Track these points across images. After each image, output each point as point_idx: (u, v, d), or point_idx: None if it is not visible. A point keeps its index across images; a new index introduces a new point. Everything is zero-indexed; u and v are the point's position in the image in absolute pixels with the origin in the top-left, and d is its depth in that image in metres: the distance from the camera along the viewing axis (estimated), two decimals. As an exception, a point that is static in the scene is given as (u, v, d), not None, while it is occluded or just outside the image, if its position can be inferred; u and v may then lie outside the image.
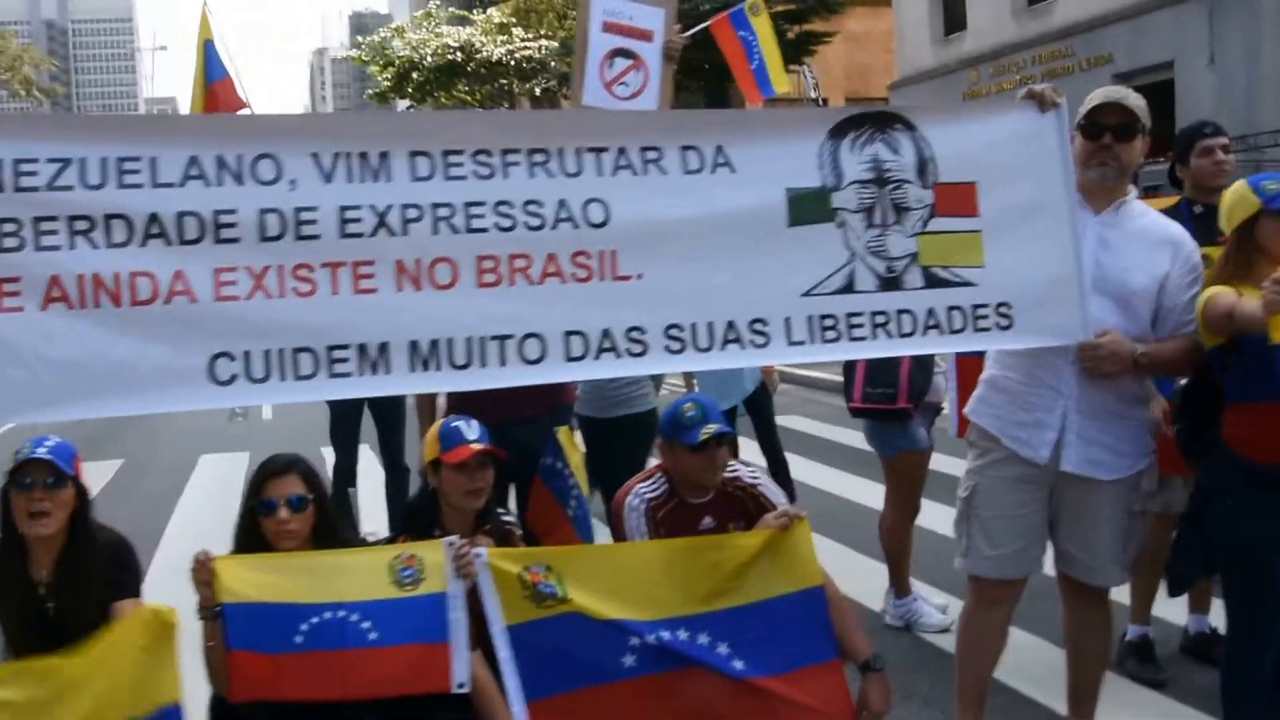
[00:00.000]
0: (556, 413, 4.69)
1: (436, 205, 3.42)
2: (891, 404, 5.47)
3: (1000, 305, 3.81)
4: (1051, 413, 3.87)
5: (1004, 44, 31.37)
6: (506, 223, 3.46)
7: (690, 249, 3.60)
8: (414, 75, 26.26)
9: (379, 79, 27.11)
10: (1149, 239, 3.92)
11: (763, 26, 6.41)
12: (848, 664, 3.84)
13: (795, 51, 26.46)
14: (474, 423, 3.98)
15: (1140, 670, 5.08)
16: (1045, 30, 30.10)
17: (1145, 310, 3.87)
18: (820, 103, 34.68)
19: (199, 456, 11.85)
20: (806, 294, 3.68)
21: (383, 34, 28.90)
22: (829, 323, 3.69)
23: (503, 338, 3.47)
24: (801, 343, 3.67)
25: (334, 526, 3.88)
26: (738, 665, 3.72)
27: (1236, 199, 3.71)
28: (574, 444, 4.70)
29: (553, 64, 25.30)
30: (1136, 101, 3.90)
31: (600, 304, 3.54)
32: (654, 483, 4.25)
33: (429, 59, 25.78)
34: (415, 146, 3.43)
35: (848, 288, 3.71)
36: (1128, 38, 27.18)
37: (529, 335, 3.49)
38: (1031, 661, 5.03)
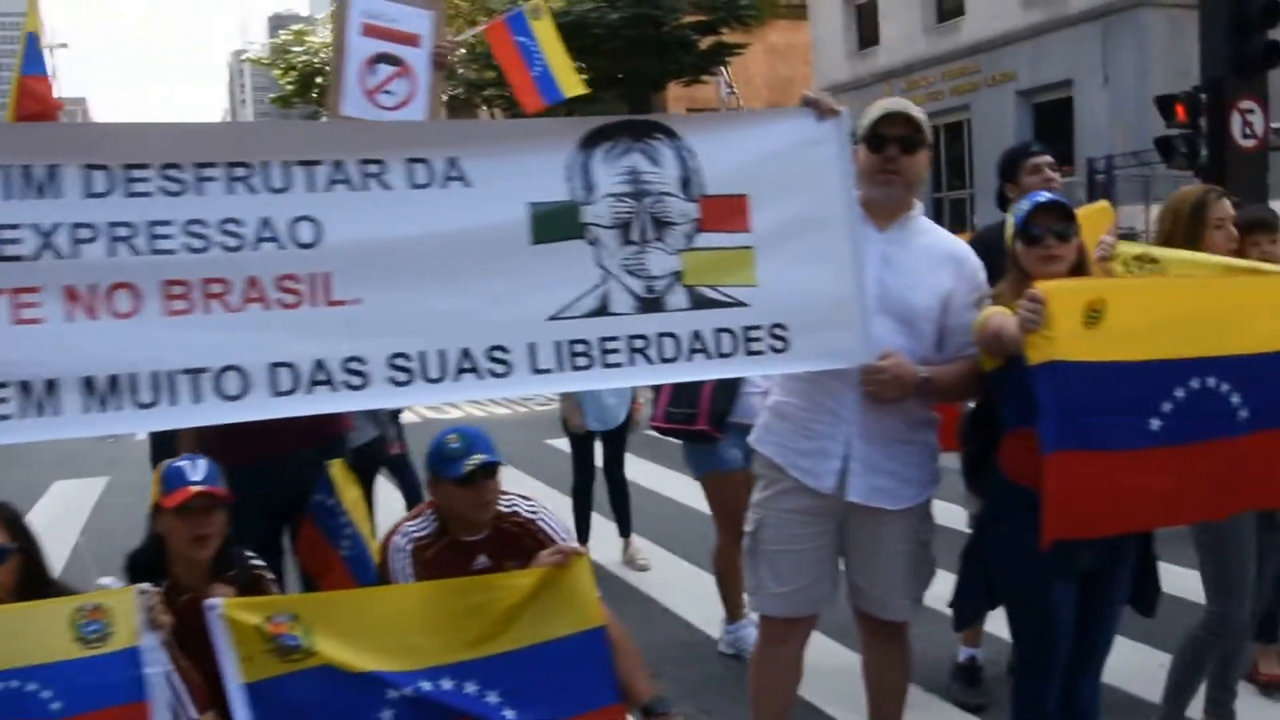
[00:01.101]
0: (328, 446, 4.20)
1: (114, 224, 2.94)
2: (691, 424, 5.12)
3: (775, 327, 3.42)
4: (834, 440, 3.54)
5: (915, 59, 31.58)
6: (199, 244, 2.99)
7: (418, 271, 3.16)
8: (318, 80, 25.53)
9: (281, 83, 26.33)
10: (933, 256, 3.61)
11: (544, 31, 5.97)
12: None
13: (707, 62, 26.09)
14: (200, 462, 3.50)
15: (963, 695, 4.92)
16: (954, 47, 30.32)
17: (930, 330, 3.55)
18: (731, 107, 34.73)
19: (52, 482, 11.16)
20: (554, 317, 3.26)
21: (284, 36, 28.13)
22: (580, 348, 3.27)
23: (195, 371, 3.00)
24: (548, 370, 3.24)
25: (44, 578, 3.39)
26: (508, 715, 3.37)
27: (1010, 220, 3.52)
28: (350, 479, 4.25)
29: (460, 71, 24.76)
30: (919, 113, 3.59)
31: (311, 333, 3.09)
32: (422, 521, 3.88)
33: (329, 65, 25.01)
34: (90, 159, 2.95)
35: (601, 310, 3.29)
36: (1029, 56, 27.43)
37: (227, 368, 3.02)
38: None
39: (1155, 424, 3.21)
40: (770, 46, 42.92)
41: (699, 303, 3.35)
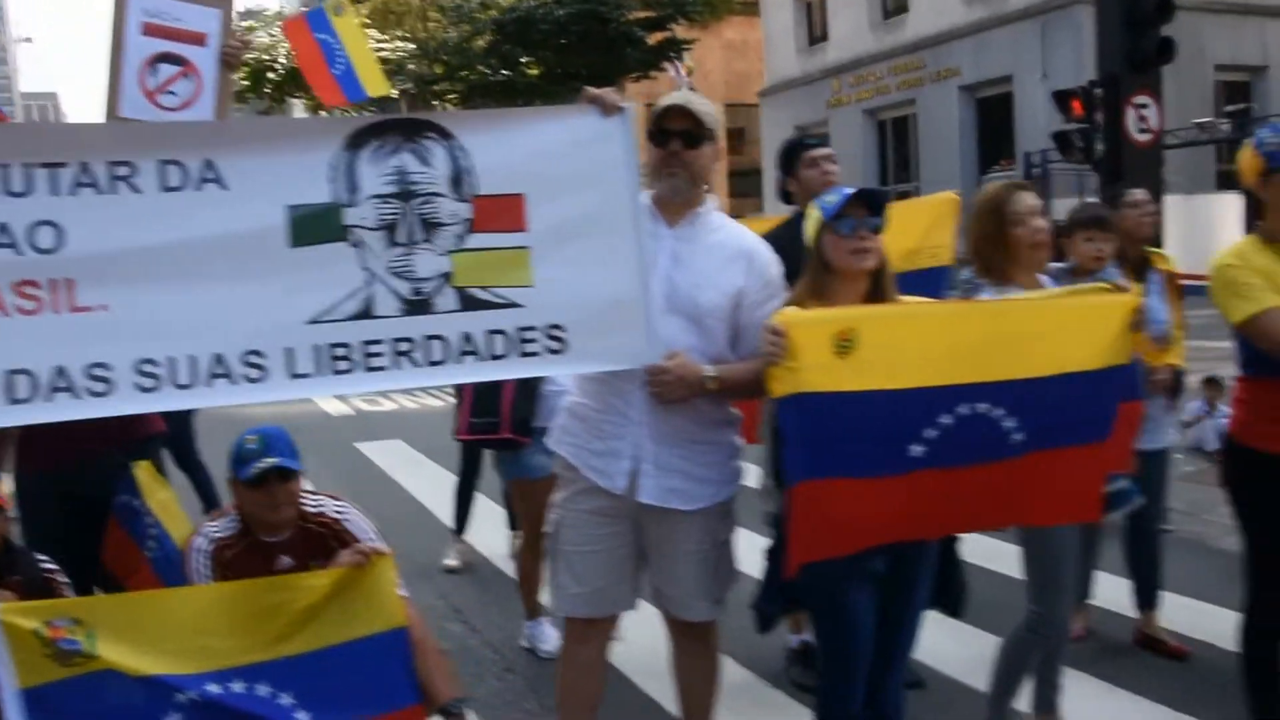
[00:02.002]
0: (132, 448, 4.06)
1: None
2: (495, 433, 5.04)
3: (551, 328, 3.30)
4: (624, 440, 3.44)
5: (863, 55, 31.61)
6: None
7: (168, 276, 3.03)
8: (269, 75, 25.26)
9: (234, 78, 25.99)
10: (724, 253, 3.48)
11: (347, 28, 5.82)
12: None
13: (656, 58, 25.97)
14: None
15: (803, 677, 4.85)
16: (899, 43, 30.37)
17: (720, 329, 3.43)
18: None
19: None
20: (314, 321, 3.13)
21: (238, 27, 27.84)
22: (340, 352, 3.14)
23: None
24: (306, 375, 3.12)
25: None
26: (301, 716, 3.28)
27: (809, 214, 3.36)
28: (158, 480, 4.14)
29: (410, 66, 24.53)
30: (703, 107, 3.46)
31: (52, 339, 2.95)
32: (225, 521, 3.76)
33: (282, 59, 24.83)
34: None
35: (365, 313, 3.16)
36: (972, 52, 27.49)
37: None
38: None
39: (917, 450, 3.08)
40: (726, 43, 42.92)
41: (470, 304, 3.23)
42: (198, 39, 4.01)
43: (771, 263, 3.52)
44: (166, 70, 3.96)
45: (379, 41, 25.43)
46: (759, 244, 3.55)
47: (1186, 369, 5.36)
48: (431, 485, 7.18)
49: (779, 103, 35.20)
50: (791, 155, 4.80)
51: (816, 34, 34.21)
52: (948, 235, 5.48)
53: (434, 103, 27.21)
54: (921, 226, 5.39)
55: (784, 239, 3.94)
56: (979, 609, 5.37)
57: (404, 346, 3.17)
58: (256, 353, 3.07)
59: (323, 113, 26.35)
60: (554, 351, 3.29)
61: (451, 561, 6.85)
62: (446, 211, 3.21)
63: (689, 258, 3.44)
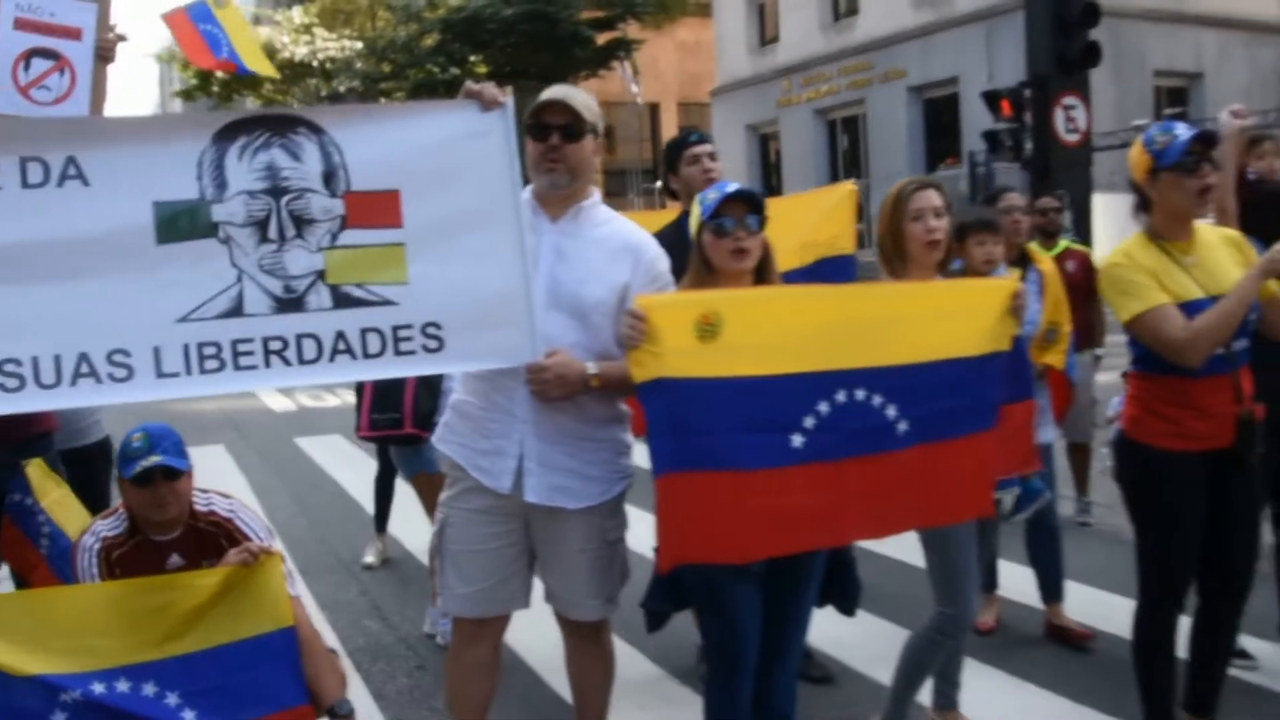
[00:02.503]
0: (20, 446, 3.94)
1: None
2: (399, 429, 4.92)
3: (428, 326, 3.20)
4: (509, 439, 3.35)
5: (813, 56, 31.67)
6: None
7: (29, 274, 2.92)
8: (218, 74, 24.94)
9: (183, 77, 25.72)
10: (609, 247, 3.40)
11: (230, 17, 5.74)
12: None
13: (604, 57, 25.88)
14: None
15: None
16: (848, 45, 30.46)
17: (606, 325, 3.33)
18: (638, 101, 34.62)
19: None
20: (183, 319, 3.03)
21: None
22: (210, 351, 3.04)
23: None
24: (175, 375, 3.02)
25: None
26: (187, 716, 3.20)
27: (693, 212, 3.34)
28: (51, 477, 4.02)
29: (358, 64, 24.28)
30: (584, 100, 3.40)
31: None
32: (114, 520, 3.66)
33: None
34: None
35: (235, 311, 3.06)
36: (919, 54, 27.61)
37: None
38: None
39: (797, 440, 3.00)
40: (680, 43, 42.90)
41: (343, 302, 3.13)
42: (73, 33, 3.88)
43: (659, 258, 3.44)
44: (40, 65, 3.83)
45: (326, 40, 25.24)
46: (645, 238, 3.47)
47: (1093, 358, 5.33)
48: (365, 481, 7.13)
49: (730, 102, 35.22)
50: (674, 152, 4.72)
51: (767, 35, 34.25)
52: (847, 224, 5.44)
53: (381, 101, 27.06)
54: (818, 217, 5.36)
55: (672, 236, 3.89)
56: (892, 601, 5.41)
57: (275, 345, 3.07)
58: (122, 352, 2.97)
59: (288, 102, 26.28)
60: (431, 350, 3.20)
61: (370, 558, 6.76)
62: (319, 208, 3.11)
63: (572, 253, 3.37)
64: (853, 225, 5.45)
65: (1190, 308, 3.43)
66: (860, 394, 3.06)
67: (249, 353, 3.05)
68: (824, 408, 3.02)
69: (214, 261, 3.04)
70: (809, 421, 3.00)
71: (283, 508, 8.63)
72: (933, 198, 3.73)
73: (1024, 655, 5.05)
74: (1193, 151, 3.44)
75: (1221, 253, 3.61)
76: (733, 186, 3.28)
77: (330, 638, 5.60)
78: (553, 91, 3.39)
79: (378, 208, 3.15)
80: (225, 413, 13.41)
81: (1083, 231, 9.50)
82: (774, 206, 5.66)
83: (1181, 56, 27.88)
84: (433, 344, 3.19)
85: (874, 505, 3.17)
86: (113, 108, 4.40)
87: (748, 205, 3.23)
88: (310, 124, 3.13)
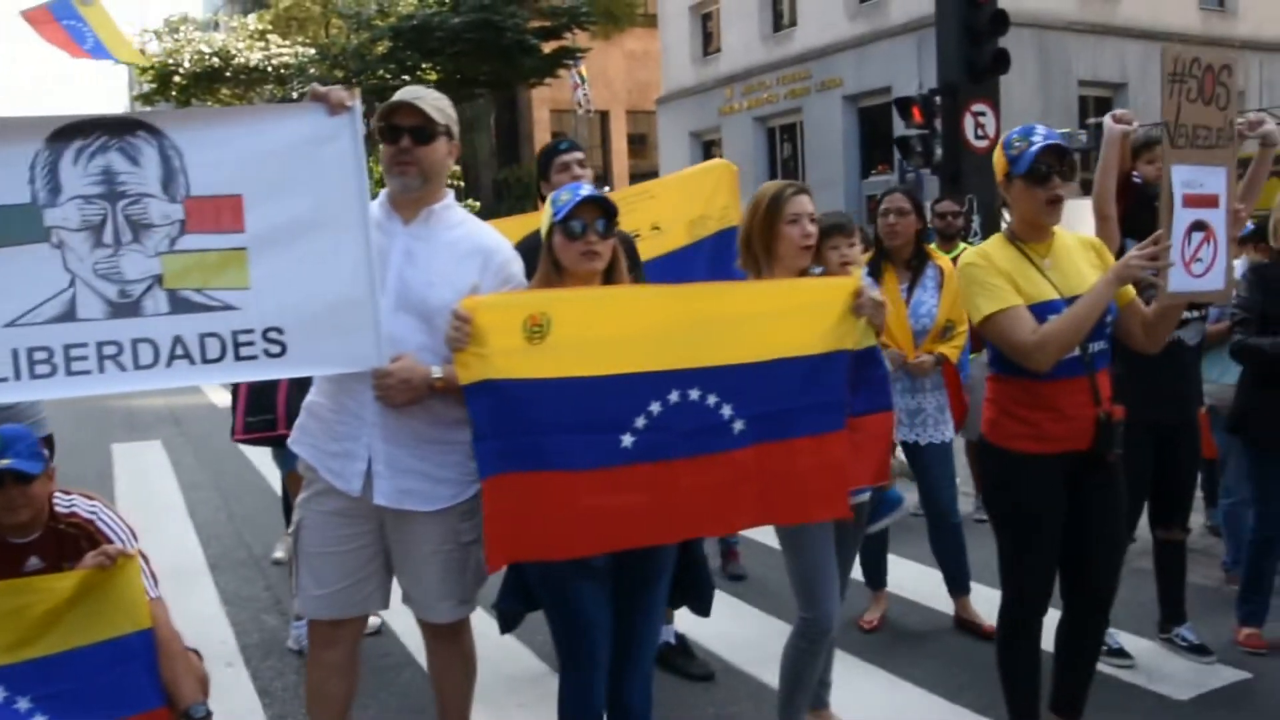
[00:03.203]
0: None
1: None
2: (273, 430, 4.81)
3: (269, 331, 3.07)
4: (358, 441, 3.23)
5: (753, 66, 31.64)
6: None
7: None
8: (175, 79, 24.53)
9: (140, 80, 25.27)
10: (459, 250, 3.29)
11: (95, 14, 5.61)
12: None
13: (552, 65, 25.69)
14: None
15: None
16: (787, 55, 30.45)
17: None
18: (587, 109, 34.45)
19: None
20: (12, 324, 2.88)
21: (139, 36, 27.11)
22: (41, 355, 2.89)
23: None
24: (4, 379, 2.86)
25: None
26: None
27: (547, 211, 3.24)
28: None
29: (311, 70, 23.94)
30: (435, 102, 3.28)
31: None
32: None
33: (185, 64, 24.12)
34: None
35: (67, 315, 2.91)
36: (854, 64, 27.61)
37: None
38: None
39: (628, 440, 2.93)
40: (629, 52, 42.71)
41: (181, 307, 2.98)
42: None
43: (510, 261, 3.34)
44: None
45: (279, 47, 24.87)
46: (499, 241, 3.37)
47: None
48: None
49: (675, 110, 35.15)
50: (546, 160, 4.62)
51: (711, 45, 34.22)
52: (733, 197, 5.40)
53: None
54: (705, 193, 5.29)
55: (538, 241, 3.75)
56: (778, 597, 5.30)
57: (110, 350, 2.92)
58: None
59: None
60: (273, 355, 3.06)
61: (280, 554, 6.62)
62: (157, 213, 2.96)
63: (423, 255, 3.25)
64: (738, 198, 5.40)
65: (1045, 309, 3.36)
66: (694, 394, 2.99)
67: (82, 357, 2.90)
68: (656, 407, 2.95)
69: (46, 266, 2.88)
70: (640, 421, 2.94)
71: (207, 502, 8.47)
72: (808, 203, 3.65)
73: (906, 654, 4.98)
74: (1043, 161, 3.36)
75: (1079, 256, 3.54)
76: (586, 190, 3.21)
77: (228, 633, 5.46)
78: (403, 93, 3.27)
79: (219, 212, 3.00)
80: (170, 408, 13.16)
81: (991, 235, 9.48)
82: (656, 187, 5.61)
83: (1106, 67, 28.10)
84: (275, 349, 3.05)
85: (711, 502, 3.09)
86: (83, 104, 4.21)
87: (599, 209, 3.16)
88: (150, 128, 2.98)
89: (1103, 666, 4.69)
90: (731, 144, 32.87)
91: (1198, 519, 6.16)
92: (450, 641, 3.53)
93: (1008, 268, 3.44)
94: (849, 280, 3.31)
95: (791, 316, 3.17)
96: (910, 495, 5.28)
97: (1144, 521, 4.80)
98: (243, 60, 24.32)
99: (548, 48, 25.04)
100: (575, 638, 3.22)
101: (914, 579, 5.77)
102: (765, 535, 4.33)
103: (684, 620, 5.16)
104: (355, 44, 24.16)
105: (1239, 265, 5.48)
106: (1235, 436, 5.04)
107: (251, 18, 27.40)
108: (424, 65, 24.09)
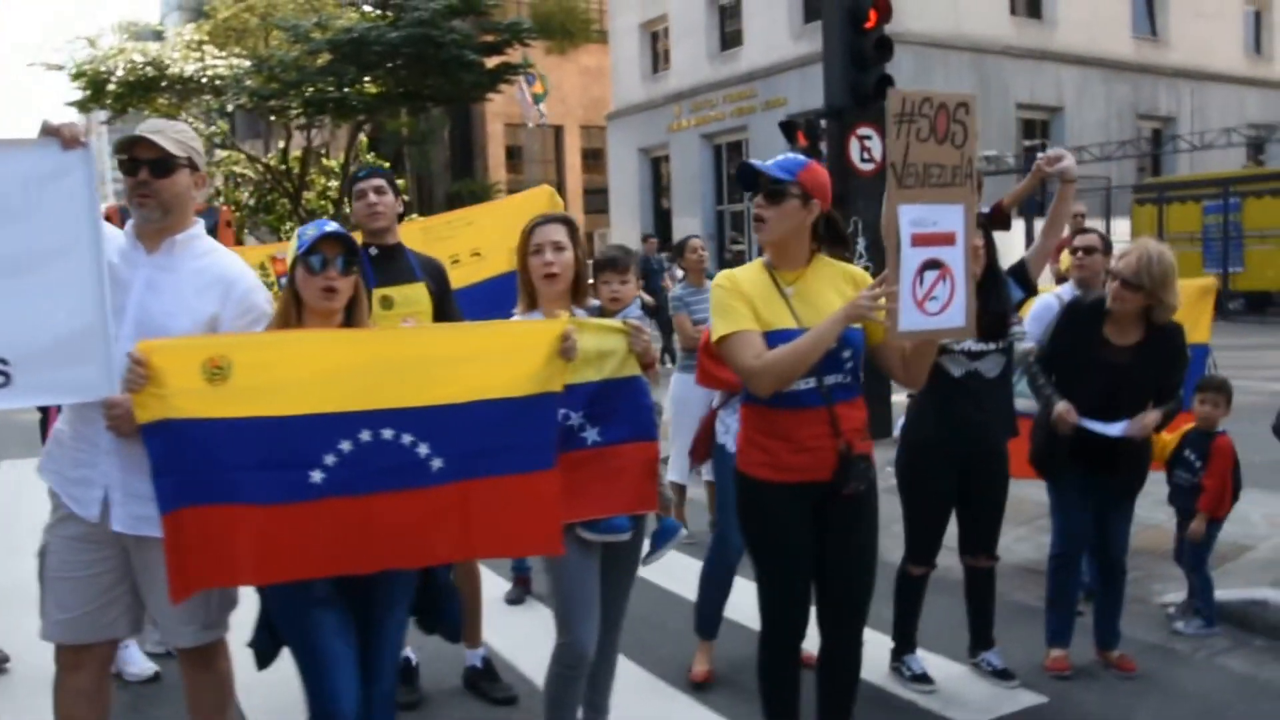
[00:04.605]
0: None
1: None
2: None
3: None
4: (95, 469, 3.25)
5: (700, 84, 31.88)
6: None
7: None
8: (108, 86, 24.33)
9: (74, 86, 25.06)
10: (201, 280, 3.33)
11: None
12: None
13: (492, 81, 25.70)
14: None
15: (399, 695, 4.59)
16: (733, 74, 30.73)
17: None
18: (539, 123, 34.52)
19: None
20: None
21: (73, 42, 26.92)
22: None
23: None
24: None
25: None
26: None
27: (293, 245, 3.27)
28: None
29: (247, 82, 23.80)
30: (176, 135, 3.32)
31: None
32: None
33: (119, 72, 23.93)
34: None
35: None
36: (798, 84, 27.75)
37: None
38: None
39: (317, 476, 2.97)
40: (584, 68, 42.88)
41: None
42: None
43: (253, 290, 3.39)
44: None
45: (216, 58, 24.73)
46: (243, 272, 3.42)
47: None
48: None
49: (624, 126, 35.30)
50: (348, 187, 4.64)
51: (660, 63, 34.40)
52: None
53: (271, 118, 26.58)
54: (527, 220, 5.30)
55: None
56: None
57: None
58: None
59: (182, 118, 25.82)
60: None
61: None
62: None
63: (164, 285, 3.29)
64: None
65: (779, 337, 3.39)
66: (388, 433, 3.05)
67: None
68: (346, 446, 3.00)
69: None
70: (330, 459, 2.98)
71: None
72: (552, 232, 3.70)
73: (730, 681, 4.91)
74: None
75: (830, 288, 3.52)
76: (330, 226, 3.26)
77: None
78: (143, 127, 3.32)
79: None
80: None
81: (877, 257, 9.52)
82: (476, 214, 5.61)
83: (1043, 91, 28.46)
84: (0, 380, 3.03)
85: (410, 535, 3.13)
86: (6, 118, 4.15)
87: (341, 246, 3.21)
88: None
89: (902, 691, 4.79)
90: (679, 160, 33.06)
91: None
92: (202, 667, 3.54)
93: (752, 292, 3.47)
94: (555, 324, 3.35)
95: (494, 359, 3.23)
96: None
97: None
98: (176, 70, 24.15)
99: (491, 63, 24.99)
100: (314, 665, 3.22)
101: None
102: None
103: (502, 643, 5.19)
104: (293, 56, 24.03)
105: (1065, 291, 5.55)
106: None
107: (189, 28, 27.25)
108: (367, 79, 24.03)
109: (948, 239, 3.29)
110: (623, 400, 3.61)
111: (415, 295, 4.37)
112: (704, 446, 4.82)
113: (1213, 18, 31.55)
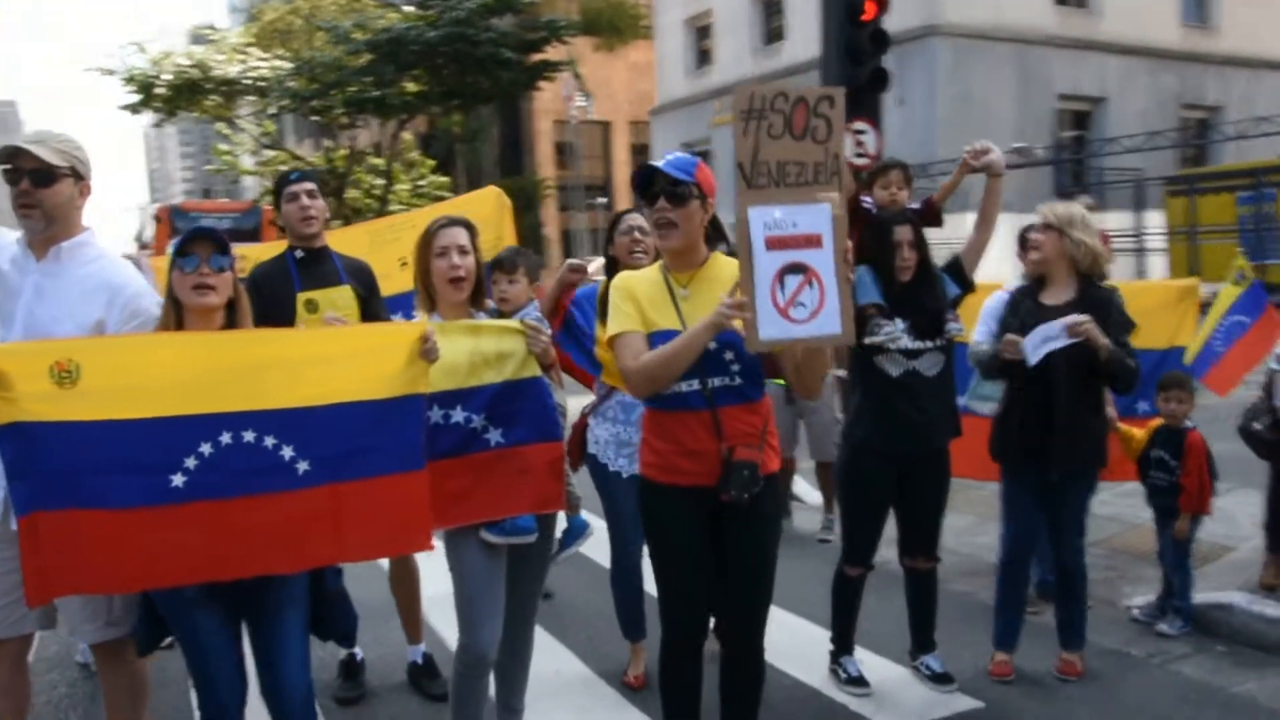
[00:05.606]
0: None
1: None
2: None
3: None
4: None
5: (743, 78, 31.46)
6: None
7: None
8: (155, 91, 24.78)
9: (127, 91, 25.56)
10: (87, 286, 3.38)
11: None
12: None
13: (530, 78, 25.78)
14: None
15: (341, 690, 4.83)
16: (776, 68, 30.42)
17: None
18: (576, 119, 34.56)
19: None
20: None
21: (124, 48, 27.45)
22: None
23: None
24: None
25: None
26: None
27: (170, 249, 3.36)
28: None
29: (289, 83, 24.09)
30: (59, 145, 3.37)
31: None
32: None
33: (164, 75, 24.36)
34: None
35: None
36: (838, 76, 27.46)
37: None
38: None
39: (178, 480, 2.95)
40: (632, 64, 42.88)
41: None
42: None
43: (139, 296, 3.43)
44: None
45: (259, 60, 25.07)
46: (128, 278, 3.46)
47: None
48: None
49: (668, 121, 35.23)
50: (278, 189, 4.61)
51: (703, 58, 34.27)
52: (509, 227, 5.46)
53: (314, 118, 26.88)
54: (480, 223, 5.28)
55: (272, 267, 4.13)
56: (579, 627, 5.26)
57: None
58: None
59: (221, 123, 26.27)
60: None
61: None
62: None
63: (51, 292, 3.35)
64: (513, 227, 5.51)
65: (662, 337, 3.34)
66: (249, 436, 3.02)
67: None
68: (207, 449, 2.99)
69: None
70: (190, 462, 2.96)
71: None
72: (457, 235, 3.67)
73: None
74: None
75: (723, 289, 3.43)
76: (206, 224, 3.24)
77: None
78: (25, 137, 3.36)
79: None
80: None
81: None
82: (421, 217, 5.60)
83: (1086, 81, 27.88)
84: None
85: (278, 539, 3.10)
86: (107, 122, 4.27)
87: (213, 244, 3.21)
88: None
89: (836, 694, 4.70)
90: (721, 154, 32.87)
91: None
92: (115, 662, 3.59)
93: (643, 294, 3.43)
94: (414, 325, 3.32)
95: (354, 361, 3.20)
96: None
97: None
98: (221, 73, 24.52)
99: (531, 60, 25.06)
100: (199, 665, 3.26)
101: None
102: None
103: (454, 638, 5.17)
104: (331, 57, 24.29)
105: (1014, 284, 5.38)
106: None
107: (234, 31, 27.69)
108: (402, 78, 24.22)
109: (812, 241, 3.06)
110: (525, 401, 3.58)
111: (340, 298, 4.37)
112: (575, 451, 4.71)
113: (1264, 4, 30.68)
